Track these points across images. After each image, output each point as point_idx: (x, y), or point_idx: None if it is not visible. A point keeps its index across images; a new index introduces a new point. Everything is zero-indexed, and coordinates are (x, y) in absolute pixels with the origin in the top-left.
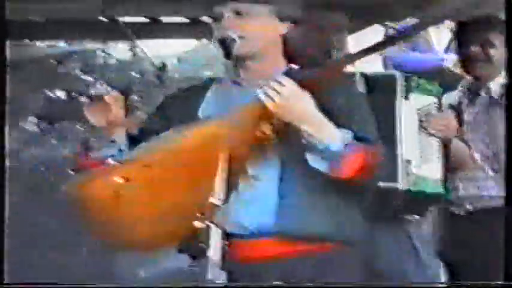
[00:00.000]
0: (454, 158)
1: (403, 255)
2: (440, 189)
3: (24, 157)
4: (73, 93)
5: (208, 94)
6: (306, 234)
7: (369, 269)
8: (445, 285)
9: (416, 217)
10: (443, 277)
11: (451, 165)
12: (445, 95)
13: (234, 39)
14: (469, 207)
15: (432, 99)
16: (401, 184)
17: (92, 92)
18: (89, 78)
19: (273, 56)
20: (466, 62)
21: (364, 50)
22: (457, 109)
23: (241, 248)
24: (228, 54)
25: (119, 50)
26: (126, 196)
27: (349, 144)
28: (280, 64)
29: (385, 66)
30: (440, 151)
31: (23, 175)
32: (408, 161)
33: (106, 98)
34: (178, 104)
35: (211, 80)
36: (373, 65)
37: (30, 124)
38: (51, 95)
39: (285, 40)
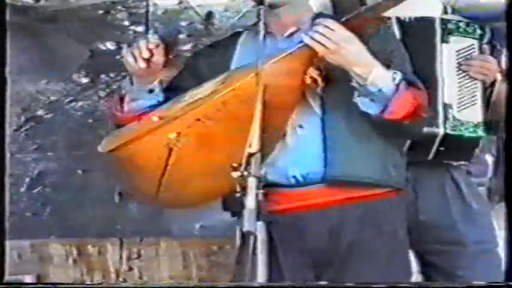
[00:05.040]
0: (499, 101)
1: (448, 202)
2: (480, 133)
3: (71, 109)
4: (122, 45)
5: (238, 46)
6: (354, 181)
7: (414, 219)
8: (446, 285)
9: (463, 162)
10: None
11: (497, 108)
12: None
13: None
14: None
15: (473, 41)
16: (441, 129)
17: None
18: (137, 29)
19: (301, 1)
20: None
21: None
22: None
23: (285, 198)
24: (264, 1)
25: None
26: (179, 151)
27: (399, 85)
28: (308, 9)
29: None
30: (481, 94)
31: (71, 128)
32: (448, 105)
33: (146, 43)
34: (208, 58)
35: (238, 32)
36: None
37: (79, 76)
38: (101, 46)
39: None
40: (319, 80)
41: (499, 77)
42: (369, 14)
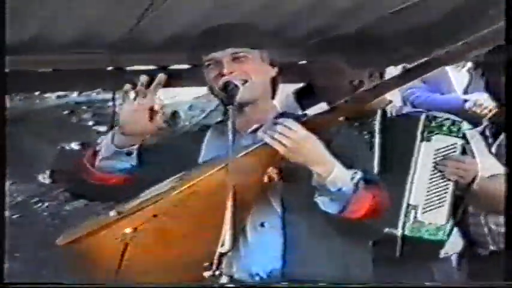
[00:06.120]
0: (487, 200)
1: None
2: (440, 236)
3: (35, 209)
4: (86, 145)
5: (205, 141)
6: (313, 279)
7: None
8: (446, 286)
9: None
10: None
11: (482, 208)
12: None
13: (236, 85)
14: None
15: (455, 140)
16: (399, 230)
17: None
18: (101, 129)
19: (266, 100)
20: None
21: (376, 86)
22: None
23: None
24: (229, 100)
25: None
26: (135, 246)
27: (359, 185)
28: (272, 108)
29: (404, 103)
30: (450, 196)
31: (32, 227)
32: (412, 206)
33: (156, 105)
34: (174, 150)
35: (206, 127)
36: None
37: (44, 177)
38: (66, 147)
39: (274, 83)
40: (276, 178)
41: (479, 173)
42: (330, 115)
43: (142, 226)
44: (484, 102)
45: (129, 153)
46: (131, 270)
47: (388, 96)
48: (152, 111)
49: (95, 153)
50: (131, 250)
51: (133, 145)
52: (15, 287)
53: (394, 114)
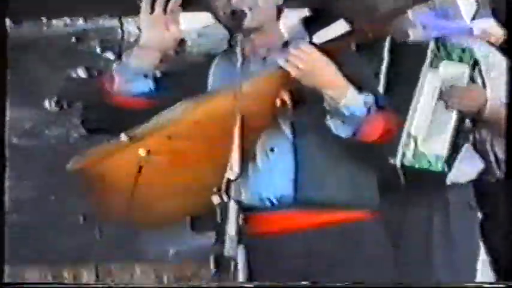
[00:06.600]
0: (499, 126)
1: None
2: (440, 166)
3: (44, 136)
4: (93, 71)
5: (212, 69)
6: (326, 203)
7: (396, 241)
8: (446, 285)
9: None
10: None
11: (493, 134)
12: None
13: (244, 11)
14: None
15: (464, 68)
16: (398, 159)
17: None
18: (109, 56)
19: (274, 27)
20: None
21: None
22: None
23: (261, 222)
24: (237, 26)
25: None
26: (149, 169)
27: (371, 108)
28: (278, 33)
29: (414, 27)
30: (455, 126)
31: (42, 155)
32: (413, 136)
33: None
34: (183, 80)
35: (213, 55)
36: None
37: (51, 103)
38: (73, 74)
39: (280, 9)
40: (289, 102)
41: (489, 102)
42: (344, 39)
43: (156, 149)
44: (491, 29)
45: (146, 75)
46: (144, 193)
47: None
48: (168, 22)
49: (112, 78)
50: (145, 173)
51: (150, 66)
52: (15, 287)
53: (403, 40)
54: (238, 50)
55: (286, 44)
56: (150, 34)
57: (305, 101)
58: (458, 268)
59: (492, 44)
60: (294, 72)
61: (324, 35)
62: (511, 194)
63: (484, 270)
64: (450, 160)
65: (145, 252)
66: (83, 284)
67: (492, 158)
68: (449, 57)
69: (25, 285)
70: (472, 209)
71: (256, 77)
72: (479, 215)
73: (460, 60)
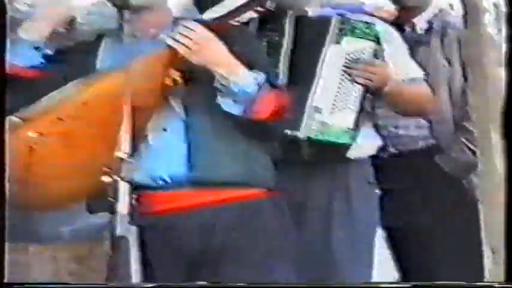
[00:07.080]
0: (404, 103)
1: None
2: (346, 139)
3: None
4: None
5: (102, 48)
6: (220, 182)
7: (298, 217)
8: (443, 284)
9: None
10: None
11: (398, 111)
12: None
13: None
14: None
15: (367, 44)
16: (302, 132)
17: None
18: None
19: (163, 5)
20: None
21: None
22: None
23: (154, 201)
24: (126, 4)
25: None
26: (41, 150)
27: (262, 86)
28: (168, 12)
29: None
30: (358, 99)
31: None
32: (318, 109)
33: None
34: (72, 58)
35: (102, 35)
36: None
37: None
38: None
39: None
40: (180, 81)
41: (392, 76)
42: (231, 16)
43: (47, 130)
44: (383, 5)
45: (36, 48)
46: (38, 175)
47: None
48: None
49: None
50: (38, 154)
51: (41, 39)
52: (15, 287)
53: (306, 15)
54: (126, 28)
55: (176, 23)
56: (41, 8)
57: (197, 80)
58: (358, 246)
59: (385, 20)
60: (182, 51)
61: (214, 12)
62: (404, 170)
63: (381, 245)
64: (355, 134)
65: (39, 233)
66: (86, 283)
67: (388, 134)
68: (353, 33)
69: (25, 285)
70: (370, 184)
71: (146, 55)
72: (377, 190)
73: (364, 36)
